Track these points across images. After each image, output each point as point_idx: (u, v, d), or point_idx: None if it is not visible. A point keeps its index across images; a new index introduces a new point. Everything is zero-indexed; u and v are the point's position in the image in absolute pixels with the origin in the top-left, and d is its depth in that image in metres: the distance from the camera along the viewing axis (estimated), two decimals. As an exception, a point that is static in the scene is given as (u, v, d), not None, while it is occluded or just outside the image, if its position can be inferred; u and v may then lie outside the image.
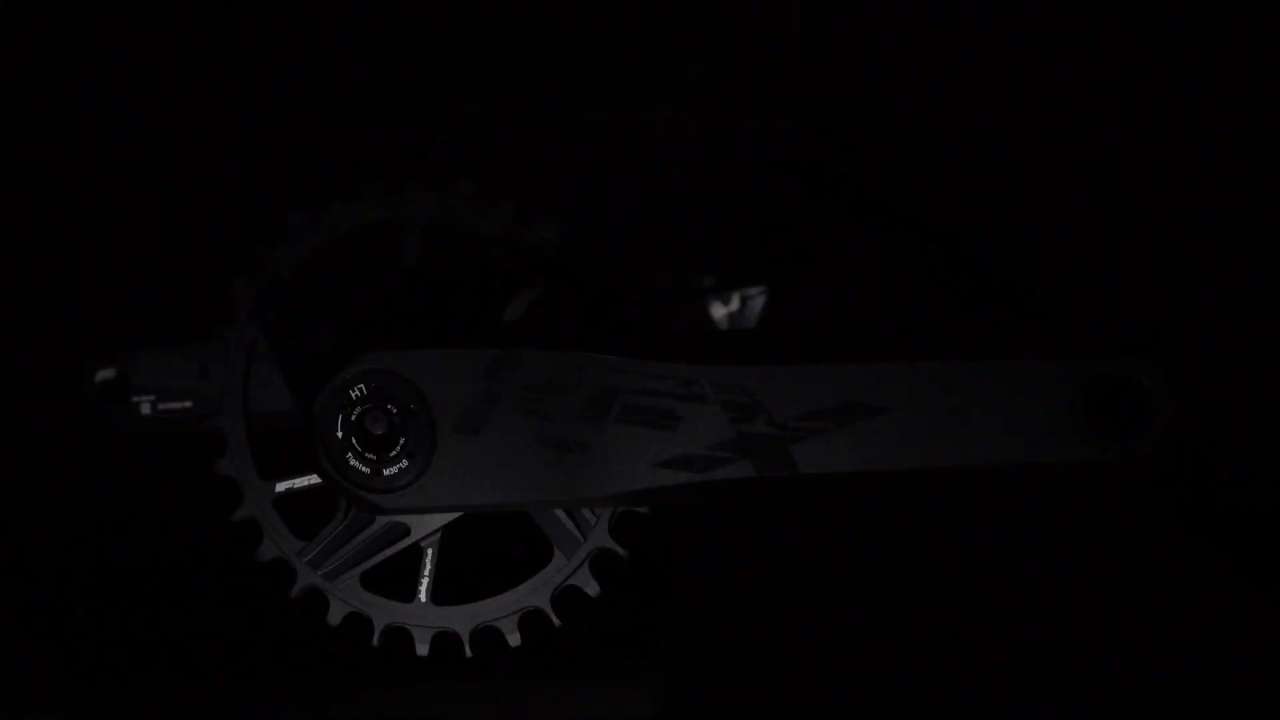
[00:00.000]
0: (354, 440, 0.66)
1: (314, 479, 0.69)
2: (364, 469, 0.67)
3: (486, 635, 0.70)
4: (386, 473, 0.66)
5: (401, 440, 0.66)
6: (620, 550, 0.70)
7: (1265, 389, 0.95)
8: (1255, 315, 0.96)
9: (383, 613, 0.70)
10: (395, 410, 0.66)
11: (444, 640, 0.70)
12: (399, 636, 0.70)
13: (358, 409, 0.66)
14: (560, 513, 0.69)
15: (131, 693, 1.05)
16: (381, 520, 0.69)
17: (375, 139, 0.97)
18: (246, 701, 1.04)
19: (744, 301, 1.01)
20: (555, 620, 0.70)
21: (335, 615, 0.70)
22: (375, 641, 0.70)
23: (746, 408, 0.65)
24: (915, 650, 1.01)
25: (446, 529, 0.70)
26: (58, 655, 1.05)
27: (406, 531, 0.70)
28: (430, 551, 0.70)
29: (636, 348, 0.65)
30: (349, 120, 1.00)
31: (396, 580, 0.70)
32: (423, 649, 0.70)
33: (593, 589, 0.70)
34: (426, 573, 0.70)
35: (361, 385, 0.66)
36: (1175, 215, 0.96)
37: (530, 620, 0.70)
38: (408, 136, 0.97)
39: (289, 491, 0.70)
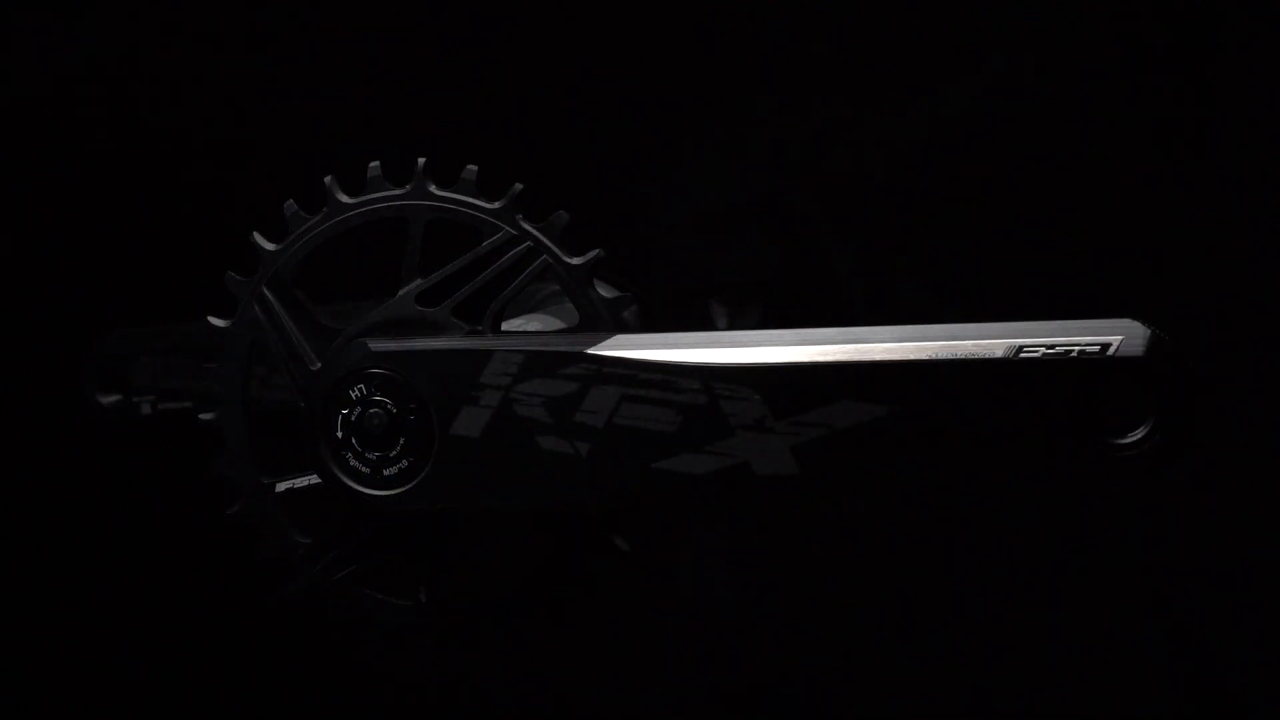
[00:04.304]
0: (354, 440, 0.66)
1: (314, 479, 0.69)
2: (364, 469, 0.67)
3: (486, 632, 0.70)
4: (386, 473, 0.66)
5: (401, 440, 0.66)
6: (622, 546, 0.69)
7: (1265, 387, 0.95)
8: (1255, 313, 0.96)
9: (382, 613, 0.70)
10: (395, 410, 0.66)
11: (443, 640, 0.70)
12: (399, 636, 0.70)
13: (357, 409, 0.66)
14: (560, 511, 0.69)
15: (131, 693, 1.05)
16: (380, 518, 0.69)
17: (377, 135, 0.97)
18: (246, 702, 1.03)
19: (744, 301, 1.01)
20: (555, 619, 0.70)
21: (334, 615, 0.70)
22: (375, 641, 0.70)
23: (746, 408, 0.64)
24: (914, 648, 1.01)
25: (447, 528, 0.70)
26: (57, 656, 1.05)
27: (406, 530, 0.69)
28: (430, 547, 0.70)
29: (636, 348, 0.65)
30: (351, 116, 1.00)
31: (396, 580, 0.70)
32: (423, 649, 0.70)
33: (590, 589, 0.70)
34: (426, 572, 0.70)
35: (361, 385, 0.66)
36: (1176, 215, 0.96)
37: (530, 617, 0.70)
38: (409, 133, 0.97)
39: (289, 491, 0.70)
